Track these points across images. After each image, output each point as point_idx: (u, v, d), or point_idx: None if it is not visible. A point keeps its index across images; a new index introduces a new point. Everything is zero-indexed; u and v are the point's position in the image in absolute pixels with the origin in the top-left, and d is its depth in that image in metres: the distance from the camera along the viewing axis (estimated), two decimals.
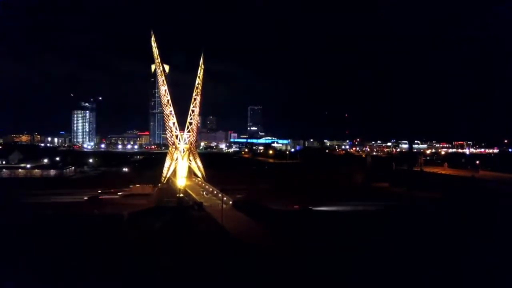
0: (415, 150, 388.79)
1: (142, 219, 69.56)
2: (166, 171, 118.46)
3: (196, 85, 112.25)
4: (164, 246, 50.59)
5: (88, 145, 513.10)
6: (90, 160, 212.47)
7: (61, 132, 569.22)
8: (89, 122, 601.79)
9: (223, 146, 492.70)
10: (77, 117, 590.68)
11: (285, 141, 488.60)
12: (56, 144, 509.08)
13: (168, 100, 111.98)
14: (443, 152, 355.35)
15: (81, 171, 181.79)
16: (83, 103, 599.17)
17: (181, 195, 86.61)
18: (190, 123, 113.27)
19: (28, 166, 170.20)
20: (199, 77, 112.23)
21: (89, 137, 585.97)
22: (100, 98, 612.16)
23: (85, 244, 52.89)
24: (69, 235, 57.60)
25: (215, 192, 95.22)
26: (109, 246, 51.94)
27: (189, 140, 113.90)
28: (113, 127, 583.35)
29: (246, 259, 45.12)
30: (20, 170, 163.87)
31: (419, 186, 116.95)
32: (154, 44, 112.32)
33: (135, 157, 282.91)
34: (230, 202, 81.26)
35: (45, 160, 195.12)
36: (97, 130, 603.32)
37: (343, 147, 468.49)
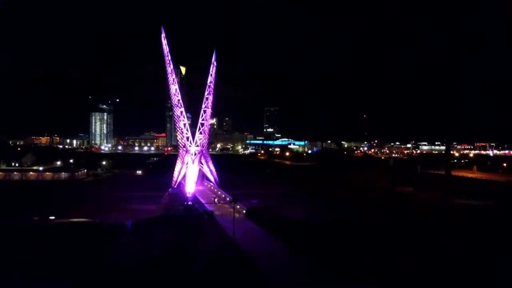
0: (433, 152, 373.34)
1: (146, 231, 63.02)
2: (177, 175, 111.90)
3: (208, 83, 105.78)
4: (164, 267, 43.79)
5: (106, 147, 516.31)
6: (104, 162, 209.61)
7: (80, 134, 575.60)
8: (107, 124, 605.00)
9: (239, 147, 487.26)
10: (95, 119, 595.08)
11: (301, 143, 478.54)
12: (74, 146, 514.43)
13: (178, 100, 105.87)
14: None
15: (94, 173, 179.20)
16: (101, 105, 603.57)
17: (190, 203, 79.75)
18: (202, 124, 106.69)
19: (41, 168, 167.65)
20: (211, 75, 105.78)
21: (106, 139, 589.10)
22: (118, 100, 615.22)
23: (79, 259, 46.65)
24: (62, 246, 51.84)
25: (227, 199, 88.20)
26: (106, 264, 45.71)
27: (201, 142, 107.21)
28: (130, 129, 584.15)
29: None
30: (31, 172, 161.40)
31: (451, 192, 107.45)
32: (164, 41, 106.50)
33: (151, 158, 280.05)
34: (244, 211, 74.06)
35: (58, 162, 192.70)
36: (114, 132, 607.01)
37: (361, 148, 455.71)
